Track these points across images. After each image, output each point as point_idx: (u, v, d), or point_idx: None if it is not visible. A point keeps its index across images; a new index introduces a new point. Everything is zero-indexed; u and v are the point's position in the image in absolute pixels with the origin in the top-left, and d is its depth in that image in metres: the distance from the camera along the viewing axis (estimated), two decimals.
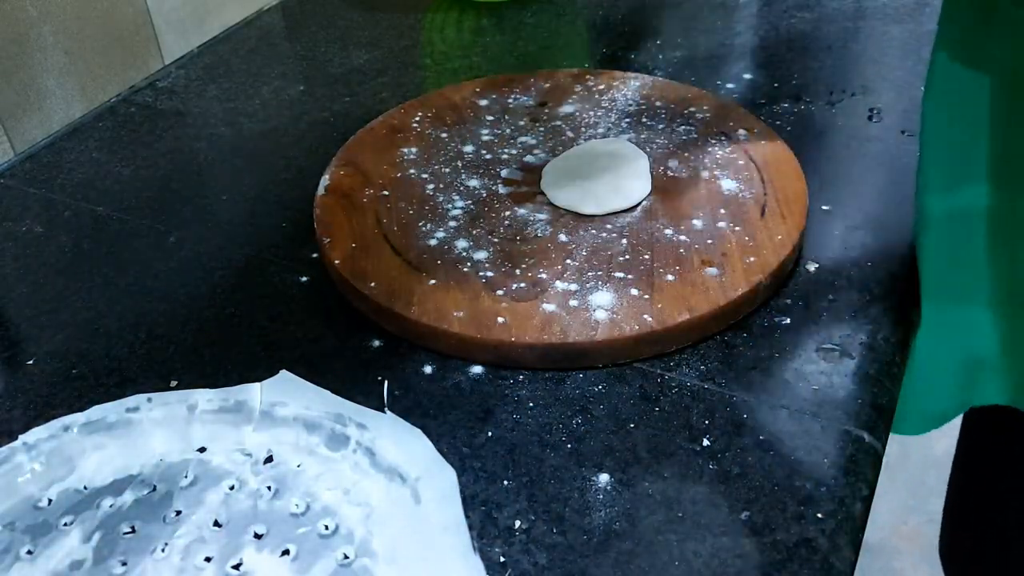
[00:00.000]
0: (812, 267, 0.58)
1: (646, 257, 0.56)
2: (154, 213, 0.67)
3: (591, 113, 0.71)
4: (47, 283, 0.61)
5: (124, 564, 0.43)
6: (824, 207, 0.63)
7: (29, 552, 0.43)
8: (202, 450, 0.48)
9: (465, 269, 0.56)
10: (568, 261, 0.56)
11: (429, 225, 0.60)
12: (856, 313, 0.55)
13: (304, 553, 0.43)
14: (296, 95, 0.81)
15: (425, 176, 0.65)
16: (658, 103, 0.72)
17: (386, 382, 0.52)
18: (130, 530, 0.44)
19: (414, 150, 0.68)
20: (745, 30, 0.88)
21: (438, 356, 0.53)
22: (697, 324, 0.52)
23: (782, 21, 0.89)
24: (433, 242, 0.58)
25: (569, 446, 0.47)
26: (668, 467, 0.46)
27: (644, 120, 0.70)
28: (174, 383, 0.52)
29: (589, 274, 0.55)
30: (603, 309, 0.52)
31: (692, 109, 0.71)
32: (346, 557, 0.42)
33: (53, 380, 0.53)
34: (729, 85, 0.78)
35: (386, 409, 0.50)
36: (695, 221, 0.59)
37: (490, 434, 0.48)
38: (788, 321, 0.54)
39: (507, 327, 0.52)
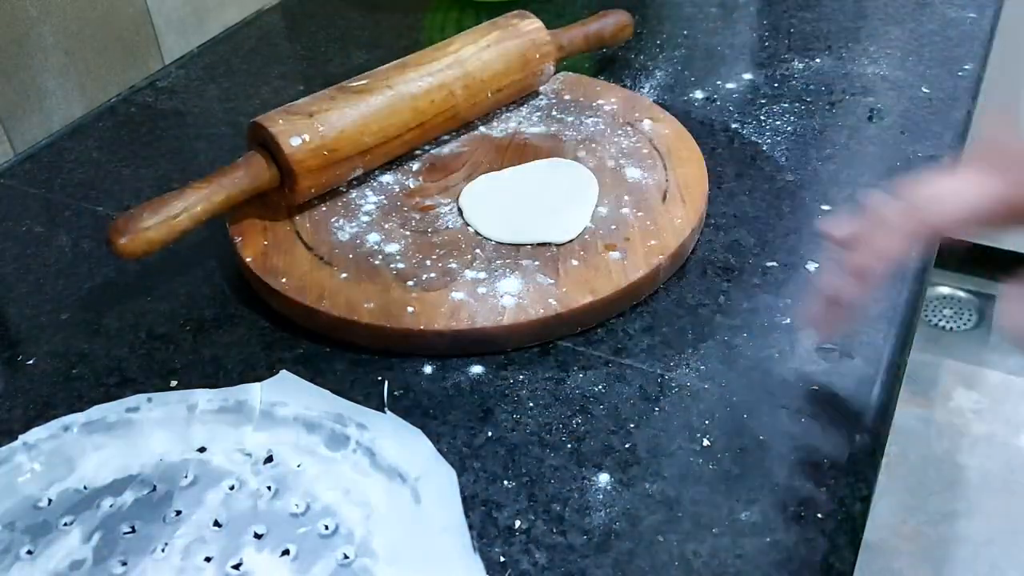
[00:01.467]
0: (812, 267, 0.58)
1: (553, 244, 0.57)
2: None
3: (503, 108, 0.71)
4: (47, 283, 0.61)
5: (124, 564, 0.43)
6: (824, 207, 0.63)
7: (29, 552, 0.43)
8: (202, 450, 0.48)
9: (376, 262, 0.57)
10: (477, 251, 0.57)
11: (341, 220, 0.60)
12: (856, 313, 0.54)
13: (304, 553, 0.43)
14: (296, 95, 0.81)
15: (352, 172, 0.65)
16: (567, 96, 0.73)
17: (386, 382, 0.52)
18: (130, 530, 0.44)
19: None
20: (745, 30, 0.88)
21: (436, 357, 0.53)
22: (600, 306, 0.54)
23: (782, 21, 0.89)
24: (345, 237, 0.59)
25: (569, 446, 0.47)
26: (668, 467, 0.46)
27: (554, 113, 0.71)
28: (174, 383, 0.52)
29: (497, 262, 0.56)
30: (510, 295, 0.54)
31: (600, 102, 0.72)
32: (346, 557, 0.42)
33: (53, 380, 0.53)
34: (729, 85, 0.78)
35: (386, 409, 0.50)
36: (600, 208, 0.60)
37: (490, 434, 0.48)
38: (788, 321, 0.54)
39: (416, 316, 0.53)
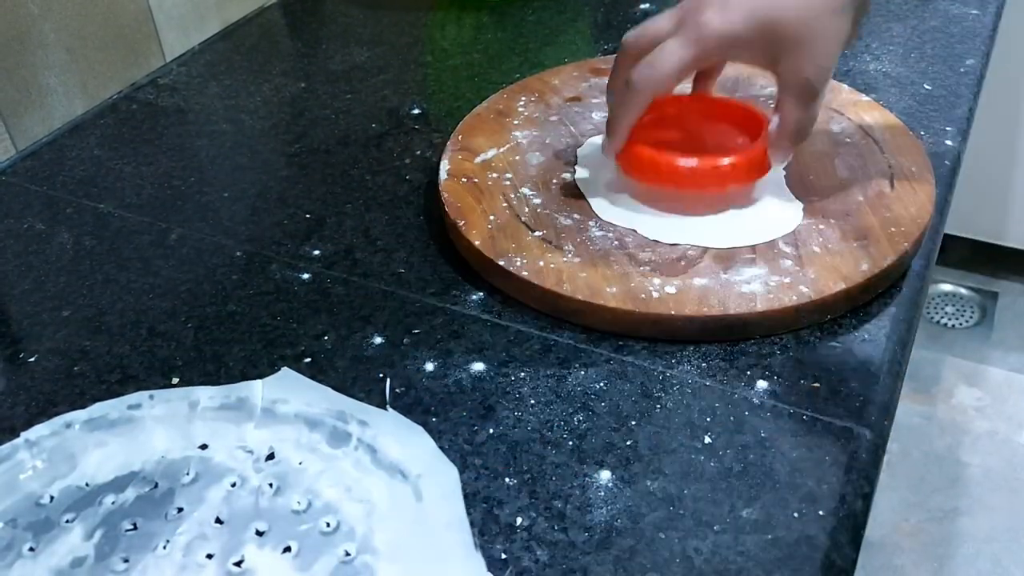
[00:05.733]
0: None
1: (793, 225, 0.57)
2: (155, 210, 0.67)
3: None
4: (49, 280, 0.61)
5: (126, 561, 0.43)
6: None
7: (31, 549, 0.43)
8: (204, 447, 0.48)
9: (606, 246, 0.57)
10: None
11: (558, 206, 0.60)
12: (858, 310, 0.54)
13: (306, 550, 0.43)
14: (297, 92, 0.81)
15: (544, 159, 0.65)
16: (762, 81, 0.72)
17: (388, 379, 0.52)
18: (132, 527, 0.44)
19: (527, 134, 0.68)
20: None
21: (442, 352, 0.53)
22: (852, 293, 0.53)
23: None
24: (568, 222, 0.59)
25: (570, 443, 0.47)
26: (669, 464, 0.46)
27: (751, 94, 0.70)
28: (176, 380, 0.52)
29: (735, 246, 0.56)
30: (757, 281, 0.53)
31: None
32: (347, 554, 0.42)
33: (55, 377, 0.53)
34: None
35: (388, 406, 0.50)
36: (829, 195, 0.60)
37: (491, 431, 0.48)
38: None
39: (664, 301, 0.52)
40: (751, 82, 0.72)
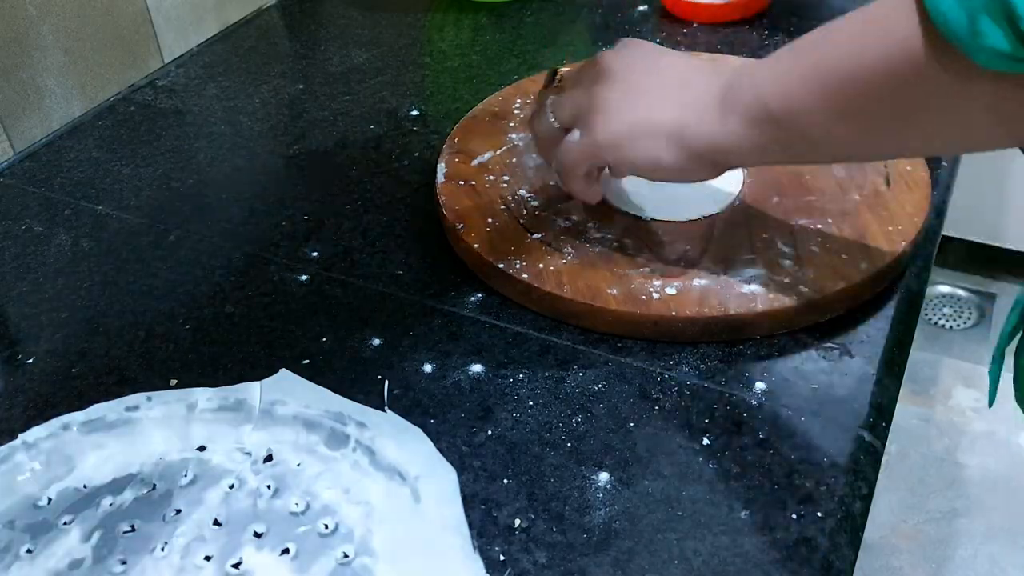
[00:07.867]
0: None
1: (791, 224, 0.57)
2: (154, 212, 0.67)
3: None
4: (47, 282, 0.61)
5: (124, 563, 0.43)
6: None
7: (29, 551, 0.43)
8: (202, 449, 0.48)
9: (605, 248, 0.57)
10: (710, 233, 0.57)
11: (556, 208, 0.61)
12: (857, 312, 0.54)
13: (304, 552, 0.43)
14: (295, 94, 0.81)
15: (541, 161, 0.65)
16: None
17: (386, 381, 0.52)
18: (130, 529, 0.44)
19: (523, 136, 0.68)
20: (744, 30, 0.88)
21: (441, 354, 0.53)
22: (852, 291, 0.53)
23: (782, 20, 0.88)
24: (566, 224, 0.59)
25: (569, 445, 0.47)
26: (668, 466, 0.46)
27: None
28: (173, 382, 0.52)
29: (733, 247, 0.56)
30: (757, 281, 0.53)
31: None
32: (346, 556, 0.42)
33: (53, 379, 0.53)
34: None
35: (386, 408, 0.50)
36: (827, 194, 0.60)
37: (490, 433, 0.48)
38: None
39: (664, 302, 0.52)
40: None
